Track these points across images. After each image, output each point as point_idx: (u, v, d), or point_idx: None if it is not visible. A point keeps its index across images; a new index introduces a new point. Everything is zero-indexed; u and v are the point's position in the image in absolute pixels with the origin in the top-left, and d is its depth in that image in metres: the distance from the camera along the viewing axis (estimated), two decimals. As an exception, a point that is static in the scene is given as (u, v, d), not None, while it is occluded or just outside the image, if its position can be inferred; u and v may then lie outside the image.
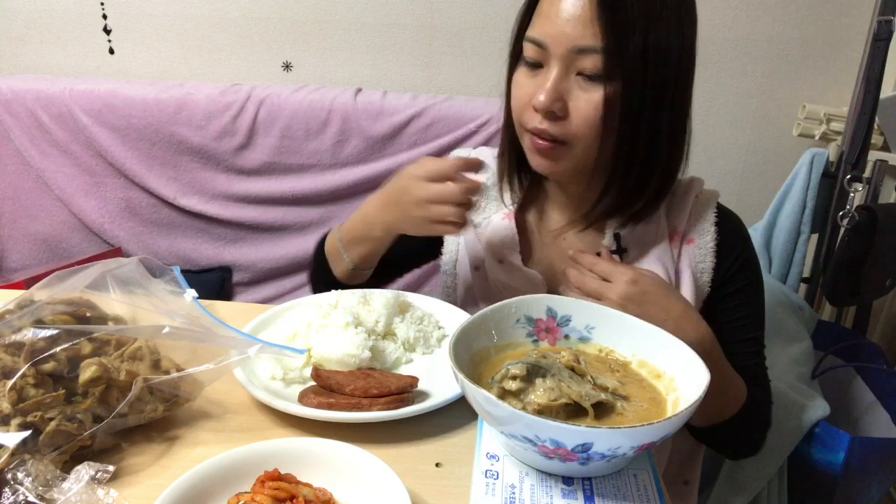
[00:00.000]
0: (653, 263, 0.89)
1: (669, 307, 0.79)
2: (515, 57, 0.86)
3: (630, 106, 0.79)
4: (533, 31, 0.81)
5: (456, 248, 1.04)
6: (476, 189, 0.87)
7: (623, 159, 0.83)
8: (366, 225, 0.95)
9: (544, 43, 0.79)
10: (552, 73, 0.79)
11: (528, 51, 0.82)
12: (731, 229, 0.93)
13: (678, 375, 0.66)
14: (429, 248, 1.07)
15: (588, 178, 0.90)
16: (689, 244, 0.92)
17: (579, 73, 0.79)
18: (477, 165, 0.90)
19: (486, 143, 1.74)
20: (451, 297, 1.05)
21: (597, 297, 0.81)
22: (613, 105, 0.78)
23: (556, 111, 0.79)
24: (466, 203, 0.86)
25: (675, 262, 0.91)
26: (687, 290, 0.89)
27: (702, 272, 0.91)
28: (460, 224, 0.86)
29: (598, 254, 0.87)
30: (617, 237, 0.91)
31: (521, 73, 0.84)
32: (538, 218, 0.99)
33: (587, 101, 0.79)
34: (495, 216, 0.98)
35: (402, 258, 1.10)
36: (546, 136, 0.82)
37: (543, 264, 0.97)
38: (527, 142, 0.86)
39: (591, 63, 0.77)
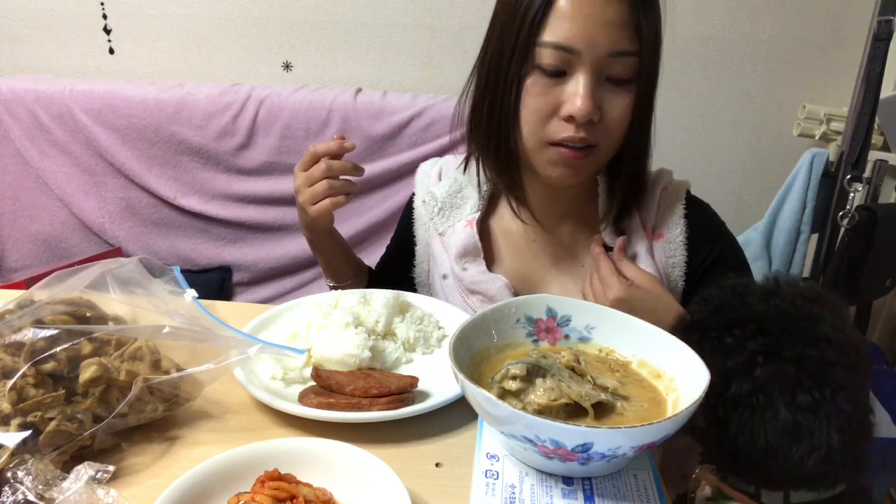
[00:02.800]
0: (643, 260, 0.89)
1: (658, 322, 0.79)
2: (521, 64, 0.80)
3: (647, 104, 0.82)
4: (556, 36, 0.77)
5: (427, 259, 1.04)
6: (333, 152, 0.91)
7: (637, 156, 0.86)
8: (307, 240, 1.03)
9: (575, 48, 0.76)
10: (583, 79, 0.77)
11: (550, 57, 0.78)
12: (701, 220, 0.93)
13: (678, 375, 0.66)
14: (405, 262, 1.07)
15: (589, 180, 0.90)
16: (659, 239, 0.92)
17: (608, 78, 0.79)
18: (348, 147, 0.93)
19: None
20: None
21: (591, 297, 0.86)
22: (639, 105, 0.81)
23: (594, 119, 0.79)
24: (333, 175, 0.91)
25: (650, 258, 0.91)
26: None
27: (673, 267, 0.91)
28: (333, 194, 0.91)
29: (606, 247, 0.88)
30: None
31: (538, 82, 0.80)
32: (510, 223, 0.98)
33: (618, 104, 0.80)
34: (458, 224, 0.98)
35: (384, 276, 1.11)
36: (579, 145, 0.80)
37: (509, 269, 0.97)
38: (550, 154, 0.83)
39: (624, 66, 0.78)
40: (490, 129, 0.86)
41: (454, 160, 1.05)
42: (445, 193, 1.00)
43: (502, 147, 0.86)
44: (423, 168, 1.08)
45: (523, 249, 0.97)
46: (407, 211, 1.08)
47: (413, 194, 1.07)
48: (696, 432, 0.57)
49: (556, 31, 0.77)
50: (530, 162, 0.86)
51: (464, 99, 0.91)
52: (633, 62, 0.78)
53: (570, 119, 0.78)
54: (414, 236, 1.05)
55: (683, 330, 0.57)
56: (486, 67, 0.85)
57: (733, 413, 0.51)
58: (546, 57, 0.78)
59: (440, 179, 1.04)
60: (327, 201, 0.91)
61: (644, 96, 0.81)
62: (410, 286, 1.07)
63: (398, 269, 1.08)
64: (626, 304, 0.80)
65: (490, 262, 0.97)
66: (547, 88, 0.79)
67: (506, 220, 0.98)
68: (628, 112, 0.80)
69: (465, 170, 1.00)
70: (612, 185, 0.91)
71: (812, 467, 0.49)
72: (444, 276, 0.99)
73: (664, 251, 0.91)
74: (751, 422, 0.50)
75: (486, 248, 0.97)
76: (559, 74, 0.79)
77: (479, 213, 0.97)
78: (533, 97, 0.80)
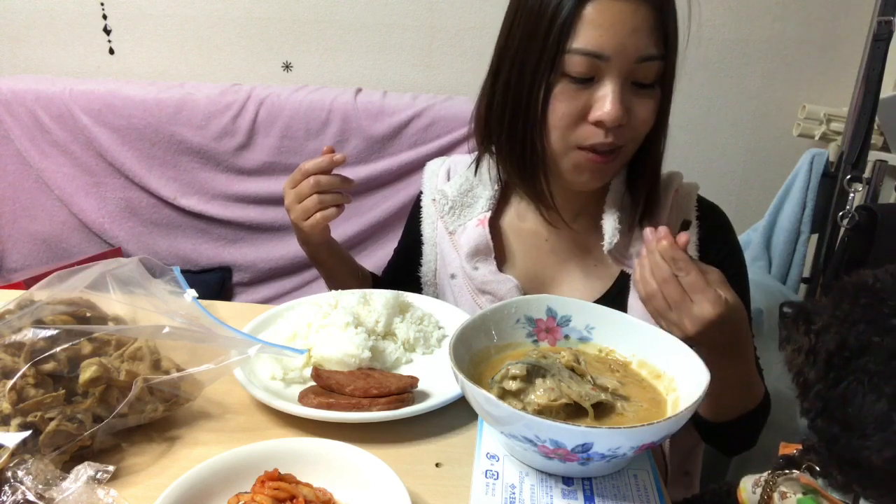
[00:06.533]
0: None
1: (742, 353, 0.78)
2: (549, 71, 0.79)
3: (668, 105, 0.83)
4: (585, 43, 0.76)
5: (434, 258, 1.03)
6: (323, 169, 0.91)
7: (657, 156, 0.87)
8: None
9: (604, 54, 0.76)
10: (611, 85, 0.78)
11: (580, 64, 0.77)
12: (713, 222, 0.94)
13: (678, 375, 0.66)
14: (413, 262, 1.06)
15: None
16: None
17: (634, 82, 0.79)
18: (338, 160, 0.93)
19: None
20: None
21: (665, 311, 0.73)
22: (662, 105, 0.82)
23: (623, 123, 0.79)
24: (323, 190, 0.92)
25: None
26: None
27: None
28: (323, 208, 0.92)
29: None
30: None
31: (566, 88, 0.79)
32: (522, 222, 0.98)
33: (644, 107, 0.81)
34: (470, 223, 0.97)
35: (390, 281, 1.11)
36: (607, 149, 0.81)
37: (521, 267, 0.97)
38: (577, 158, 0.83)
39: (651, 71, 0.79)
40: (513, 135, 0.85)
41: (463, 159, 1.04)
42: (456, 192, 0.99)
43: (527, 152, 0.85)
44: (431, 167, 1.08)
45: (535, 248, 0.97)
46: (414, 210, 1.07)
47: (420, 193, 1.06)
48: (802, 382, 0.55)
49: (585, 38, 0.77)
50: (556, 166, 0.86)
51: (479, 102, 0.91)
52: (659, 66, 0.79)
53: (599, 124, 0.79)
54: (421, 235, 1.04)
55: (856, 288, 0.55)
56: (507, 73, 0.84)
57: (846, 377, 0.50)
58: (575, 65, 0.77)
59: (449, 178, 1.03)
60: (318, 216, 0.92)
61: (666, 98, 0.83)
62: (417, 286, 1.07)
63: (406, 270, 1.07)
64: (717, 330, 0.70)
65: (501, 261, 0.97)
66: (576, 94, 0.79)
67: (518, 218, 0.98)
68: (653, 113, 0.82)
69: (475, 170, 1.00)
70: (629, 185, 0.91)
71: (880, 462, 0.48)
72: (453, 276, 0.98)
73: None
74: (854, 393, 0.50)
75: (498, 247, 0.96)
76: (585, 80, 0.79)
77: (491, 211, 0.97)
78: (562, 103, 0.80)
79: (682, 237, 0.73)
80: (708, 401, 0.81)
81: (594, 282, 0.94)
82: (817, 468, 0.56)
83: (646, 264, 0.74)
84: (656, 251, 0.73)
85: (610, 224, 0.89)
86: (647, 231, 0.75)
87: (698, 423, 0.89)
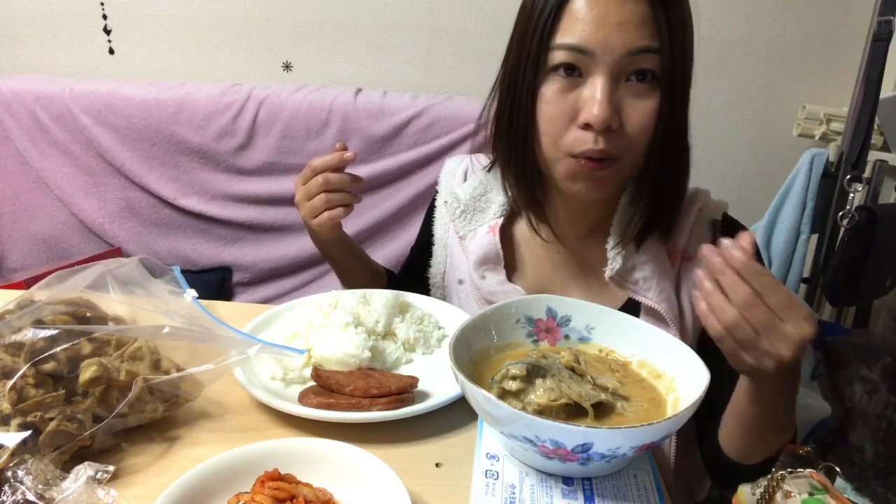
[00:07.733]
0: (665, 287, 0.83)
1: (798, 376, 0.69)
2: (536, 71, 0.76)
3: (674, 109, 0.77)
4: (570, 38, 0.73)
5: (444, 260, 1.01)
6: (332, 167, 0.90)
7: (665, 166, 0.80)
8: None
9: (590, 49, 0.72)
10: (599, 82, 0.72)
11: (563, 60, 0.73)
12: None
13: (678, 375, 0.67)
14: (425, 261, 1.04)
15: (618, 191, 0.85)
16: (689, 262, 0.86)
17: (628, 80, 0.74)
18: (349, 158, 0.91)
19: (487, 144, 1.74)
20: None
21: (754, 341, 0.60)
22: (664, 110, 0.75)
23: (613, 125, 0.73)
24: (333, 190, 0.90)
25: (673, 282, 0.85)
26: (686, 315, 0.84)
27: None
28: (331, 208, 0.91)
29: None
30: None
31: (553, 88, 0.75)
32: (532, 232, 0.93)
33: (641, 108, 0.74)
34: (480, 229, 0.94)
35: (406, 278, 1.09)
36: (598, 156, 0.74)
37: (530, 279, 0.94)
38: (569, 166, 0.77)
39: (647, 65, 0.73)
40: (510, 142, 0.82)
41: (482, 159, 1.01)
42: (469, 196, 0.96)
43: (521, 160, 0.82)
44: (449, 165, 1.04)
45: (545, 260, 0.93)
46: (429, 209, 1.05)
47: (436, 192, 1.04)
48: (885, 426, 0.52)
49: (568, 33, 0.73)
50: (551, 174, 0.81)
51: (488, 104, 0.87)
52: (655, 59, 0.73)
53: (587, 127, 0.74)
54: (432, 235, 1.02)
55: None
56: (505, 76, 0.82)
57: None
58: (559, 61, 0.74)
59: (465, 179, 1.00)
60: (325, 215, 0.91)
61: (671, 99, 0.75)
62: (426, 287, 1.05)
63: (419, 269, 1.05)
64: (802, 350, 0.60)
65: (510, 270, 0.93)
66: (562, 94, 0.75)
67: (529, 228, 0.93)
68: (652, 117, 0.75)
69: (489, 169, 0.97)
70: (636, 199, 0.84)
71: None
72: (461, 282, 0.96)
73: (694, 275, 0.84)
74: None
75: (508, 256, 0.93)
76: (574, 76, 0.74)
77: (503, 218, 0.94)
78: (548, 104, 0.76)
79: (746, 239, 0.61)
80: (748, 438, 0.75)
81: (603, 303, 0.91)
82: (837, 468, 0.54)
83: (714, 291, 0.61)
84: (728, 270, 0.60)
85: (612, 247, 0.85)
86: (706, 248, 0.63)
87: (722, 466, 0.79)
